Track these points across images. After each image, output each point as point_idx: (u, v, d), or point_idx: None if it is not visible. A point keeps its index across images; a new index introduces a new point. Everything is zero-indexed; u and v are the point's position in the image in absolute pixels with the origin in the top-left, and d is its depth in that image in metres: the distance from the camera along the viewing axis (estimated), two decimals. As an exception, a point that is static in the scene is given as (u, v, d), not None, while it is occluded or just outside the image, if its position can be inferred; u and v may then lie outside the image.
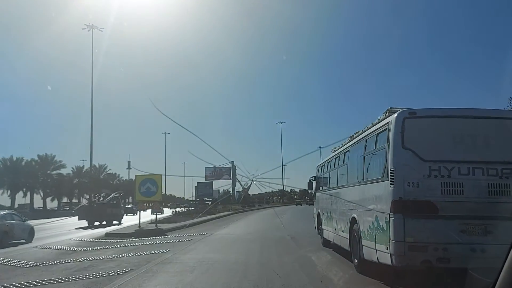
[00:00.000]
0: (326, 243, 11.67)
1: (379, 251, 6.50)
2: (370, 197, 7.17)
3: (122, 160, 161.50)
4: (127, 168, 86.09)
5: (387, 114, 6.97)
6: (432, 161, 6.04)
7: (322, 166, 13.04)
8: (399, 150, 6.15)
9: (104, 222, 28.01)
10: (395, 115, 6.41)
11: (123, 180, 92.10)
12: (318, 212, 13.01)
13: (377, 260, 6.67)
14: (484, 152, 6.13)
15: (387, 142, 6.43)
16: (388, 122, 6.56)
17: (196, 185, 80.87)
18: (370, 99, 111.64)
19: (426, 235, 5.88)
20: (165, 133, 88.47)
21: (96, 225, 27.46)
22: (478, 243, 5.83)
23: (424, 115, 6.42)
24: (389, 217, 6.08)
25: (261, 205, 66.14)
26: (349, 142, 9.61)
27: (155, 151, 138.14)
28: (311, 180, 14.35)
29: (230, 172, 68.99)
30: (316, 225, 13.56)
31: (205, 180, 74.86)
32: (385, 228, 6.26)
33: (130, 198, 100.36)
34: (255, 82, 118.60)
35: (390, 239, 6.04)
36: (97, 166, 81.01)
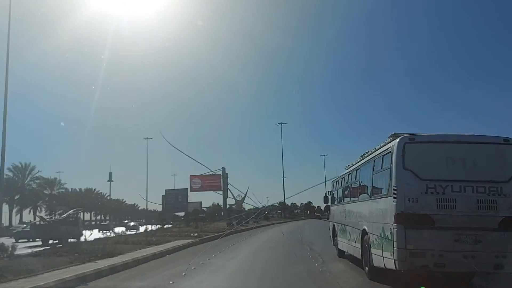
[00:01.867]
0: (341, 254, 12.62)
1: (385, 257, 7.51)
2: (378, 210, 8.20)
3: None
4: (108, 180, 78.46)
5: (391, 138, 8.07)
6: (429, 180, 7.09)
7: (336, 182, 14.06)
8: (401, 171, 7.21)
9: (56, 241, 23.39)
10: (397, 140, 7.50)
11: (103, 195, 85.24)
12: (334, 225, 13.98)
13: (384, 266, 7.67)
14: (473, 172, 7.16)
15: (391, 163, 7.50)
16: (391, 146, 7.65)
17: (164, 193, 64.31)
18: (373, 107, 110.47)
19: (424, 243, 6.89)
20: (147, 138, 75.88)
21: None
22: (470, 250, 6.83)
23: (422, 140, 7.51)
24: (393, 228, 7.11)
25: (258, 221, 46.99)
26: (360, 160, 10.67)
27: (138, 159, 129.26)
28: (327, 195, 15.39)
29: (220, 181, 55.15)
30: (331, 237, 14.53)
31: (190, 191, 60.83)
32: (390, 238, 7.28)
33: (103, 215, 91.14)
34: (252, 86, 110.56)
35: (394, 247, 7.06)
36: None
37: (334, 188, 14.46)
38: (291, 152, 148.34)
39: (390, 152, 7.69)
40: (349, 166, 12.31)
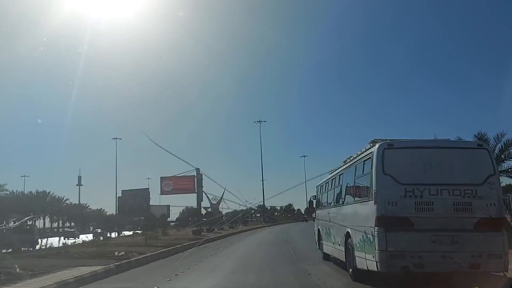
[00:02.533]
0: (326, 257, 12.89)
1: (368, 260, 7.78)
2: (360, 214, 8.49)
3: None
4: (77, 185, 74.69)
5: (371, 144, 8.38)
6: (407, 184, 7.40)
7: (320, 186, 14.35)
8: (380, 176, 7.52)
9: (10, 250, 22.22)
10: (377, 146, 7.81)
11: (61, 199, 75.16)
12: (318, 229, 14.25)
13: (366, 268, 7.94)
14: (449, 176, 7.51)
15: (371, 168, 7.80)
16: (371, 152, 7.95)
17: (120, 195, 59.58)
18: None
19: (404, 245, 7.19)
20: (116, 138, 70.49)
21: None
22: (447, 251, 7.16)
23: (400, 146, 7.84)
24: (374, 231, 7.39)
25: (233, 226, 42.58)
26: (343, 166, 10.97)
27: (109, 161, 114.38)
28: (312, 199, 15.69)
29: (194, 183, 49.01)
30: (316, 241, 14.79)
31: (161, 194, 55.27)
32: (371, 240, 7.56)
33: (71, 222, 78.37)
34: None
35: (375, 249, 7.34)
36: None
37: (319, 192, 14.74)
38: (271, 153, 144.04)
39: (370, 157, 7.99)
40: (332, 171, 12.60)
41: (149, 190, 56.49)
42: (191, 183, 50.89)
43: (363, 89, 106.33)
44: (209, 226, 38.57)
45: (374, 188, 7.55)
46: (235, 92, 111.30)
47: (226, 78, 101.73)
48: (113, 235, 38.01)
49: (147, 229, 38.61)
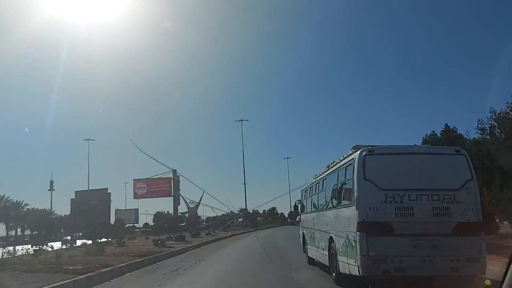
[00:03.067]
0: (311, 261, 12.98)
1: (350, 264, 7.89)
2: (342, 219, 8.60)
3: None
4: (49, 190, 65.88)
5: (352, 150, 8.51)
6: (387, 189, 7.54)
7: (305, 191, 14.47)
8: (361, 181, 7.64)
9: None
10: (358, 152, 7.94)
11: (19, 204, 65.69)
12: (303, 233, 14.36)
13: (349, 272, 8.04)
14: (428, 181, 7.67)
15: (353, 174, 7.92)
16: (353, 158, 8.08)
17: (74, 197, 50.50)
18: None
19: (385, 250, 7.31)
20: (88, 139, 63.19)
21: None
22: (427, 255, 7.31)
23: (380, 152, 7.99)
24: (356, 236, 7.50)
25: (211, 232, 37.90)
26: (326, 171, 11.10)
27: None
28: (296, 204, 15.82)
29: (171, 185, 46.76)
30: (302, 245, 14.90)
31: (134, 198, 49.44)
32: (353, 245, 7.66)
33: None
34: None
35: (357, 254, 7.45)
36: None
37: (303, 197, 14.86)
38: (253, 155, 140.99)
39: (352, 164, 8.11)
40: (316, 176, 12.73)
41: (109, 191, 49.03)
42: (167, 185, 47.49)
43: (346, 91, 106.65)
44: (195, 231, 36.31)
45: (355, 193, 7.68)
46: (216, 95, 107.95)
47: (207, 79, 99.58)
48: (58, 244, 30.83)
49: (91, 237, 33.21)
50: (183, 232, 35.37)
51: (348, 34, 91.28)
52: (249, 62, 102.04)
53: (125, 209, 54.64)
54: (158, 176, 47.00)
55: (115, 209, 54.28)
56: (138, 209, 55.53)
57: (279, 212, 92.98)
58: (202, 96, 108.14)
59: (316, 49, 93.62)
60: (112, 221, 52.04)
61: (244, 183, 70.05)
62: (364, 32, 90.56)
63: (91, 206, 46.83)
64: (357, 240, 7.45)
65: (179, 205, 47.78)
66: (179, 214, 48.43)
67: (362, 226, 7.43)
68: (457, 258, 7.30)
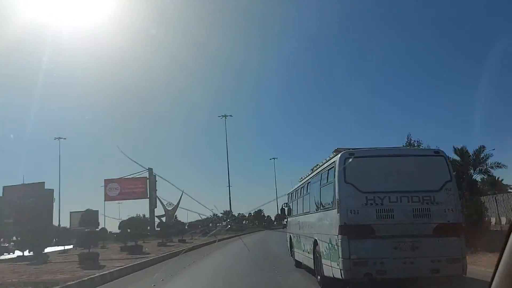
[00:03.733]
0: (298, 264, 13.01)
1: (333, 267, 7.91)
2: (325, 222, 8.63)
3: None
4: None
5: (334, 153, 8.55)
6: (368, 192, 7.58)
7: (291, 194, 14.51)
8: (343, 184, 7.68)
9: None
10: (339, 155, 7.98)
11: None
12: (290, 236, 14.39)
13: (332, 275, 8.07)
14: (409, 183, 7.73)
15: (334, 177, 7.97)
16: (334, 161, 8.12)
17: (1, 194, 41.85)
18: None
19: (366, 252, 7.35)
20: (59, 138, 57.14)
21: None
22: (408, 257, 7.36)
23: (361, 155, 8.03)
24: (338, 239, 7.54)
25: (184, 240, 33.59)
26: (311, 174, 11.14)
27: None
28: (283, 207, 15.83)
29: (146, 186, 41.94)
30: (289, 248, 14.92)
31: (105, 200, 43.63)
32: (336, 248, 7.70)
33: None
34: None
35: (339, 257, 7.48)
36: None
37: (290, 200, 14.89)
38: (239, 155, 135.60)
39: (333, 167, 8.15)
40: (302, 179, 12.77)
41: (45, 185, 41.91)
42: (142, 186, 42.94)
43: (339, 90, 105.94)
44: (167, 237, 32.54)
45: (336, 197, 7.71)
46: (198, 91, 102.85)
47: (190, 77, 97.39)
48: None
49: (24, 246, 23.14)
50: (159, 237, 32.69)
51: (339, 34, 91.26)
52: (236, 61, 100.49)
53: (79, 211, 43.52)
54: (133, 176, 42.19)
55: (70, 212, 48.35)
56: (98, 211, 45.52)
57: (266, 214, 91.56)
58: (183, 92, 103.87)
59: (302, 49, 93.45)
60: (67, 224, 46.64)
61: (229, 184, 66.86)
62: (354, 32, 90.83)
63: (22, 206, 38.52)
64: (339, 243, 7.48)
65: (155, 207, 43.87)
66: (156, 217, 44.67)
67: (344, 229, 7.47)
68: (438, 259, 7.35)
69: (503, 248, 1.69)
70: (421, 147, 17.76)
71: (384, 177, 7.79)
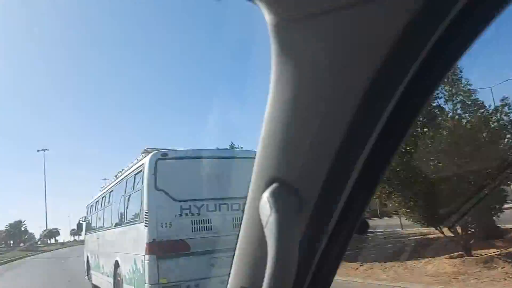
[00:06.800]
0: (96, 290, 10.93)
1: None
2: (130, 239, 7.05)
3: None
4: None
5: (143, 155, 7.03)
6: (183, 200, 6.33)
7: (91, 206, 12.31)
8: (153, 192, 6.25)
9: None
10: (149, 157, 6.51)
11: None
12: (87, 256, 12.14)
13: None
14: (228, 189, 6.74)
15: (142, 183, 6.48)
16: (142, 164, 6.63)
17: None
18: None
19: (179, 273, 6.06)
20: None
21: None
22: (228, 274, 6.32)
23: (175, 156, 6.72)
24: (144, 260, 6.07)
25: None
26: (114, 181, 9.34)
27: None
28: (81, 221, 13.43)
29: None
30: (86, 270, 12.61)
31: None
32: (141, 271, 6.22)
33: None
34: None
35: (145, 282, 6.01)
36: None
37: (89, 213, 12.65)
38: None
39: (141, 170, 6.66)
40: (103, 187, 10.82)
41: None
42: None
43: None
44: None
45: (144, 207, 6.23)
46: None
47: None
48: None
49: None
50: None
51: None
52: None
53: None
54: None
55: None
56: None
57: (29, 230, 79.92)
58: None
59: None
60: None
61: None
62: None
63: None
64: (146, 265, 6.02)
65: None
66: None
67: (152, 246, 6.03)
68: None
69: None
70: None
71: (201, 182, 6.66)
